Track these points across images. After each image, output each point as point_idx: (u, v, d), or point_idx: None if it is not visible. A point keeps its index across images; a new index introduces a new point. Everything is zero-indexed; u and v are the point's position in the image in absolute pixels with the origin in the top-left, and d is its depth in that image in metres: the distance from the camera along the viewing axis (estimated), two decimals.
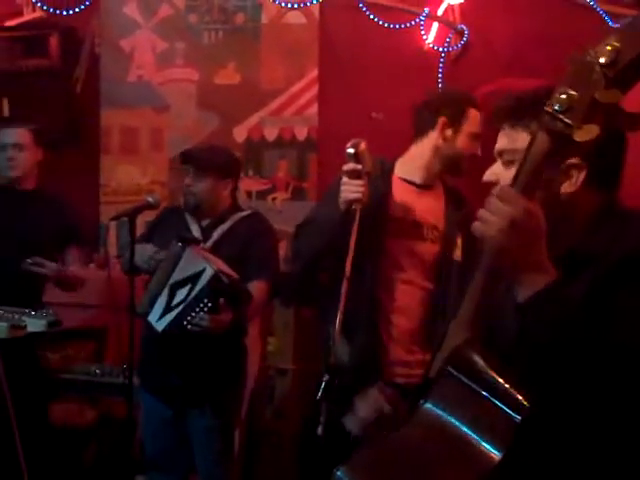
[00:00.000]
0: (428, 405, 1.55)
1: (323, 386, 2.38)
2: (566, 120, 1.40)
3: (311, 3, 4.77)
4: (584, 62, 1.40)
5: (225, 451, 3.41)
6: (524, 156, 1.49)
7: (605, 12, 4.37)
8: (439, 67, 4.68)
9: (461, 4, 4.65)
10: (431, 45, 4.72)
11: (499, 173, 1.68)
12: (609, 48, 1.37)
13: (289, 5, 4.82)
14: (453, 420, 1.51)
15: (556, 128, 1.41)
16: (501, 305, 1.63)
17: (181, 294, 3.14)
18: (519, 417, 1.43)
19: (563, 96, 1.40)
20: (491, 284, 1.57)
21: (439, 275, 2.89)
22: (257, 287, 3.31)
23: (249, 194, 4.98)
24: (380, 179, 2.86)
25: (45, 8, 4.91)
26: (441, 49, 4.71)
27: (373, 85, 4.63)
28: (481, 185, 1.72)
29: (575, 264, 1.56)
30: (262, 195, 4.97)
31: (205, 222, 3.43)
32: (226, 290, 3.10)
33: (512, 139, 1.65)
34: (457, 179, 3.03)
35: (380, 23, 4.70)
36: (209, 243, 3.36)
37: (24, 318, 3.33)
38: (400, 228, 2.87)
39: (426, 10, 4.68)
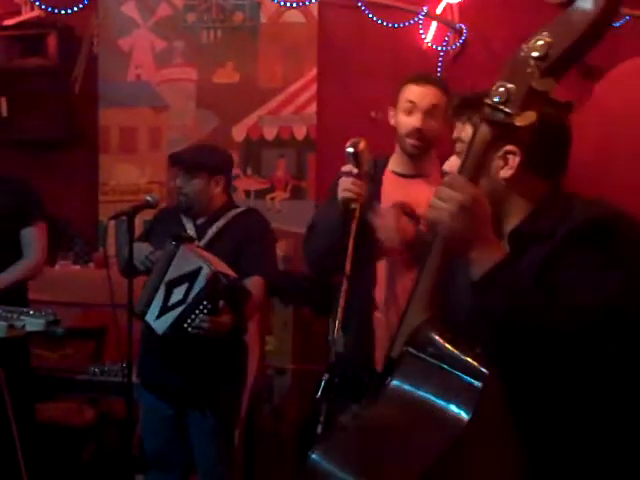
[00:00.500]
0: (394, 382, 1.64)
1: (322, 385, 2.38)
2: (506, 110, 1.55)
3: (310, 2, 4.78)
4: (518, 58, 1.55)
5: (225, 451, 3.40)
6: (468, 147, 1.65)
7: None
8: (438, 66, 4.68)
9: (460, 3, 4.66)
10: (430, 44, 4.72)
11: (453, 164, 1.83)
12: (541, 43, 1.52)
13: (288, 4, 4.82)
14: (420, 392, 1.60)
15: (496, 118, 1.57)
16: (456, 285, 1.76)
17: (178, 293, 3.13)
18: (480, 384, 1.54)
19: (501, 89, 1.56)
20: (445, 266, 1.68)
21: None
22: (254, 283, 3.30)
23: (248, 193, 4.98)
24: (374, 176, 2.88)
25: (43, 7, 4.90)
26: (440, 48, 4.71)
27: (372, 84, 4.62)
28: None
29: (521, 242, 1.73)
30: (261, 194, 4.97)
31: (200, 221, 3.43)
32: (225, 291, 3.09)
33: (459, 131, 1.83)
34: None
35: (379, 22, 4.70)
36: (204, 241, 3.36)
37: (23, 317, 3.33)
38: None
39: (425, 9, 4.69)
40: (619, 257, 1.62)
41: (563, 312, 1.57)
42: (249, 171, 4.99)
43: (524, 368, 1.64)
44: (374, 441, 1.62)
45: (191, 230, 3.40)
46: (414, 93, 2.88)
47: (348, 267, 2.56)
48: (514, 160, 1.75)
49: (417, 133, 2.85)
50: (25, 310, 3.42)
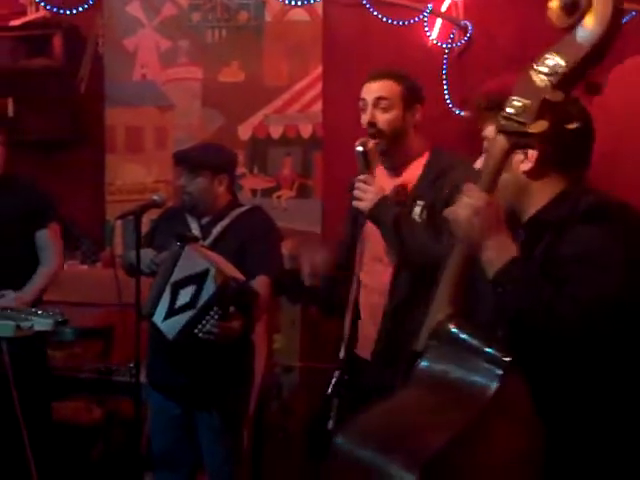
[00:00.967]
0: (422, 367, 1.79)
1: (334, 382, 2.40)
2: (520, 120, 1.73)
3: (314, 1, 4.78)
4: (530, 75, 1.73)
5: (233, 450, 3.40)
6: (486, 158, 1.84)
7: None
8: (443, 63, 4.68)
9: (465, 0, 4.65)
10: (435, 41, 4.72)
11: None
12: (551, 61, 1.70)
13: (292, 3, 4.83)
14: (448, 375, 1.75)
15: (512, 128, 1.74)
16: (480, 287, 1.89)
17: (185, 295, 3.13)
18: (501, 371, 1.69)
19: (516, 103, 1.74)
20: (466, 265, 1.84)
21: None
22: (260, 283, 3.31)
23: (254, 192, 4.99)
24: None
25: (49, 8, 4.92)
26: (445, 45, 4.71)
27: None
28: None
29: (537, 230, 1.90)
30: (267, 193, 4.97)
31: (205, 220, 3.43)
32: (236, 296, 3.09)
33: (489, 131, 1.98)
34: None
35: (384, 20, 4.70)
36: (209, 240, 3.36)
37: (31, 317, 3.34)
38: None
39: (430, 6, 4.68)
40: (618, 236, 1.78)
41: (569, 304, 1.71)
42: (255, 170, 5.00)
43: (540, 358, 1.78)
44: (399, 419, 1.74)
45: (196, 230, 3.40)
46: (363, 91, 2.92)
47: (358, 268, 2.58)
48: (532, 155, 1.88)
49: (370, 128, 2.86)
50: (33, 310, 3.43)
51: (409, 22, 4.70)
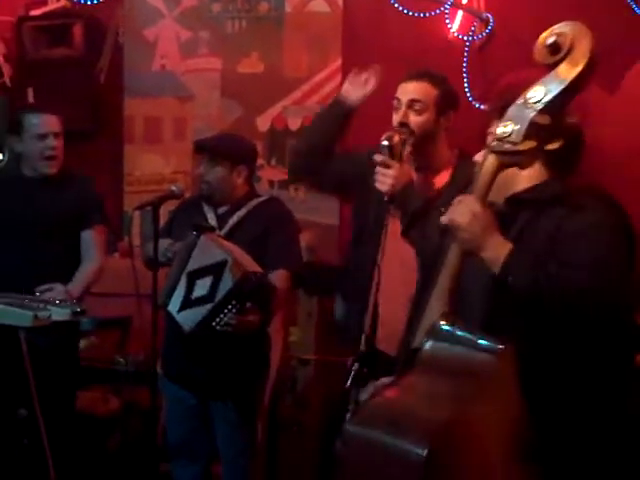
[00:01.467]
0: (422, 357, 1.96)
1: (352, 374, 2.40)
2: (511, 140, 2.02)
3: None
4: (519, 103, 2.03)
5: (248, 442, 3.41)
6: (477, 174, 2.08)
7: (633, 0, 4.31)
8: (464, 56, 4.64)
9: None
10: (456, 34, 4.68)
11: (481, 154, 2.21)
12: (538, 91, 2.02)
13: None
14: (444, 360, 1.94)
15: (502, 148, 2.03)
16: (468, 288, 2.11)
17: (202, 286, 3.13)
18: (494, 357, 1.91)
19: (507, 126, 2.02)
20: (461, 267, 2.06)
21: None
22: (279, 276, 3.31)
23: (271, 183, 4.98)
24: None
25: None
26: (466, 38, 4.67)
27: (397, 74, 4.59)
28: None
29: (516, 206, 2.16)
30: (285, 184, 4.96)
31: (222, 210, 3.43)
32: (254, 291, 3.10)
33: (494, 126, 2.15)
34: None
35: (404, 12, 4.67)
36: (225, 230, 3.36)
37: (49, 307, 3.34)
38: None
39: None
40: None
41: (573, 271, 1.99)
42: (273, 161, 4.99)
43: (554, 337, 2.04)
44: (405, 401, 1.90)
45: (212, 220, 3.40)
46: (399, 90, 2.95)
47: (380, 257, 2.59)
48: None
49: (401, 128, 2.87)
50: (51, 299, 3.44)
51: (430, 14, 4.66)
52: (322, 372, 4.40)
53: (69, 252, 3.72)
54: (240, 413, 3.34)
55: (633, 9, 4.28)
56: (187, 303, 3.16)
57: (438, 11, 4.66)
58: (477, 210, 2.04)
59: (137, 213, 3.70)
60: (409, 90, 2.91)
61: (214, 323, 3.09)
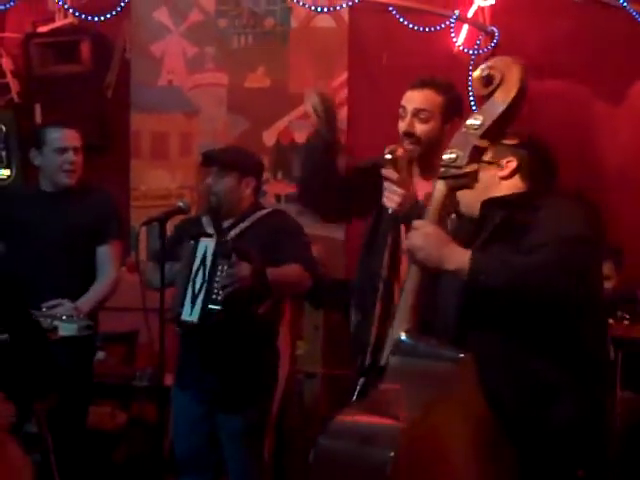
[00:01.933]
0: (393, 366, 2.12)
1: (359, 389, 2.39)
2: (456, 164, 2.20)
3: (340, 7, 4.77)
4: (461, 132, 2.24)
5: (255, 455, 3.41)
6: (431, 200, 2.26)
7: (637, 12, 4.32)
8: (469, 70, 4.66)
9: (491, 6, 4.64)
10: (461, 47, 4.70)
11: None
12: (476, 120, 2.22)
13: (318, 9, 4.82)
14: (415, 370, 2.10)
15: (449, 174, 2.21)
16: (442, 294, 2.33)
17: (199, 280, 3.22)
18: (456, 365, 2.10)
19: (452, 154, 2.21)
20: (422, 286, 2.21)
21: None
22: (292, 268, 3.33)
23: (278, 198, 4.99)
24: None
25: (77, 14, 4.96)
26: (471, 51, 4.69)
27: (403, 88, 4.61)
28: None
29: (492, 207, 2.31)
30: (291, 199, 4.96)
31: (227, 223, 3.44)
32: (232, 247, 3.19)
33: None
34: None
35: (410, 26, 4.69)
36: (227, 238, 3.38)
37: (56, 322, 3.34)
38: None
39: (456, 12, 4.67)
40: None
41: (541, 254, 2.15)
42: (279, 175, 5.00)
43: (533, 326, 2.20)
44: (372, 412, 2.03)
45: (210, 230, 3.43)
46: (404, 98, 2.93)
47: (386, 272, 2.60)
48: (509, 166, 2.35)
49: (407, 136, 2.87)
50: (58, 314, 3.44)
51: (435, 28, 4.69)
52: (329, 385, 4.39)
53: (85, 266, 3.72)
54: (247, 425, 3.34)
55: (638, 22, 4.29)
56: (194, 300, 3.23)
57: (444, 25, 4.68)
58: (429, 231, 2.21)
59: (144, 229, 3.70)
60: (414, 98, 2.91)
61: (214, 295, 3.15)
